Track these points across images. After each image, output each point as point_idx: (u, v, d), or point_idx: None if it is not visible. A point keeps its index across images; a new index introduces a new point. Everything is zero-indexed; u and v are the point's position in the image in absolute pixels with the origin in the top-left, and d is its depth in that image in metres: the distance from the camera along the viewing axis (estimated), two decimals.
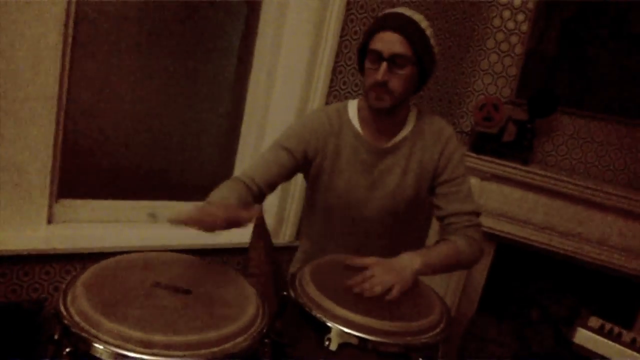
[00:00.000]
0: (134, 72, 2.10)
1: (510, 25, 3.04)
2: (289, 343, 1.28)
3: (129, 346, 0.92)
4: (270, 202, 2.35)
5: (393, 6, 1.55)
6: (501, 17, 3.05)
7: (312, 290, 1.25)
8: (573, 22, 2.86)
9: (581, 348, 2.07)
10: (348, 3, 2.32)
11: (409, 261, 1.42)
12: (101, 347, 0.91)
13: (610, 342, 2.04)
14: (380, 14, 1.55)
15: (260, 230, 2.17)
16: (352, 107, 1.67)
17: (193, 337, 0.96)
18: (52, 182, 1.88)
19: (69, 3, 1.75)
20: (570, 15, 2.86)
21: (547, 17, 2.92)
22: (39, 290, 1.87)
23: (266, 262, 2.11)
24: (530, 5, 2.97)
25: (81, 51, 1.91)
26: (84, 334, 0.93)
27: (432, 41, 1.52)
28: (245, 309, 1.11)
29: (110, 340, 0.92)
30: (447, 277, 2.92)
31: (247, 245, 2.16)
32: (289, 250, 1.98)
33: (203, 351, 0.95)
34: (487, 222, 1.74)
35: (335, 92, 2.44)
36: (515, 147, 2.85)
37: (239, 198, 1.43)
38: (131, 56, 2.07)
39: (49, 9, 1.67)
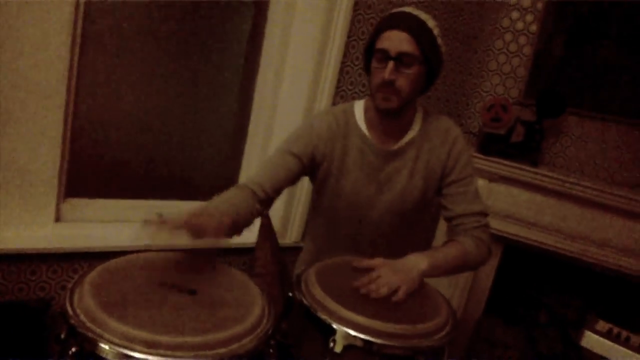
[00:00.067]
0: (141, 72, 2.10)
1: (519, 25, 3.03)
2: (294, 344, 1.28)
3: (135, 346, 0.92)
4: (277, 204, 2.33)
5: (400, 6, 1.55)
6: (510, 18, 3.04)
7: (317, 292, 1.25)
8: (582, 22, 2.84)
9: (589, 352, 2.06)
10: (355, 3, 2.31)
11: (416, 262, 1.42)
12: (107, 347, 0.91)
13: (618, 346, 2.03)
14: (386, 13, 1.54)
15: (267, 230, 2.17)
16: (359, 108, 1.66)
17: (198, 338, 0.96)
18: (59, 181, 1.89)
19: (77, 3, 1.75)
20: (579, 16, 2.84)
21: (556, 18, 2.90)
22: (45, 289, 1.88)
23: (272, 262, 2.11)
24: (539, 6, 2.96)
25: (88, 51, 1.91)
26: (89, 334, 0.93)
27: (439, 40, 1.51)
28: (251, 310, 1.11)
29: (116, 340, 0.93)
30: (454, 279, 2.91)
31: (253, 246, 2.17)
32: (294, 250, 1.98)
33: (208, 352, 0.95)
34: (494, 223, 1.73)
35: (342, 93, 2.44)
36: (524, 148, 2.84)
37: (241, 209, 1.42)
38: (138, 56, 2.07)
39: (57, 10, 1.68)
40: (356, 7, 2.33)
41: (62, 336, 0.98)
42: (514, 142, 2.85)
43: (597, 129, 2.89)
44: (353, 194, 1.63)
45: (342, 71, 2.40)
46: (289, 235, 2.48)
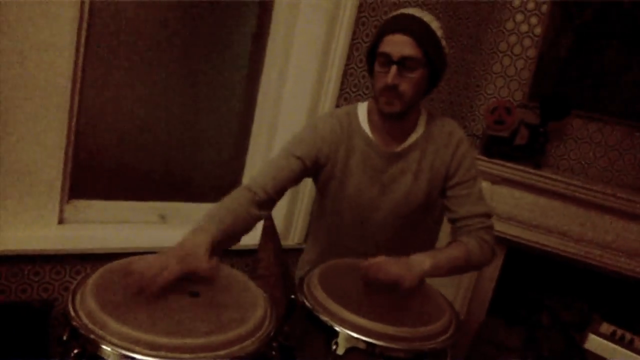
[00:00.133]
0: (146, 73, 2.11)
1: (524, 28, 3.02)
2: (296, 346, 1.28)
3: (137, 348, 0.92)
4: (279, 205, 2.33)
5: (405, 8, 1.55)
6: (514, 20, 3.04)
7: (319, 294, 1.25)
8: (587, 25, 2.83)
9: (592, 354, 2.06)
10: (360, 5, 2.31)
11: (418, 262, 1.42)
12: (109, 348, 0.91)
13: (622, 349, 2.02)
14: (389, 16, 1.52)
15: (270, 232, 2.17)
16: (362, 110, 1.65)
17: (201, 340, 0.96)
18: (63, 182, 1.89)
19: (82, 5, 1.75)
20: (584, 19, 2.84)
21: (561, 21, 2.89)
22: (49, 290, 1.88)
23: (275, 263, 2.11)
24: (544, 8, 2.95)
25: (92, 53, 1.91)
26: (91, 336, 0.93)
27: (443, 42, 1.50)
28: (253, 312, 1.10)
29: (118, 342, 0.92)
30: (457, 281, 2.91)
31: (255, 247, 2.17)
32: (297, 252, 1.98)
33: (210, 354, 0.95)
34: (498, 226, 1.73)
35: (346, 95, 2.44)
36: (527, 151, 2.83)
37: (236, 218, 1.41)
38: (142, 57, 2.08)
39: (61, 11, 1.68)
40: (360, 8, 2.33)
41: (64, 338, 0.98)
42: (518, 145, 2.84)
43: (601, 131, 2.89)
44: (356, 195, 1.62)
45: (346, 73, 2.40)
46: (292, 237, 2.48)
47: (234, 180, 2.44)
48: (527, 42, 3.02)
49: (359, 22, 2.34)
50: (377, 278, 1.32)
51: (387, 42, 1.45)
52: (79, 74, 1.84)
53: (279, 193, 1.55)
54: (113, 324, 0.94)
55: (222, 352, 0.97)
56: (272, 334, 1.09)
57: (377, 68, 1.50)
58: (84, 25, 1.80)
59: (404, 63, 1.44)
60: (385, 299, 1.32)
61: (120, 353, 0.91)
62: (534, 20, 2.99)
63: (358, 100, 2.00)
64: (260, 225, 2.13)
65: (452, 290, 2.89)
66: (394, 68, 1.43)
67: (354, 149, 1.61)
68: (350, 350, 1.14)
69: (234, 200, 1.46)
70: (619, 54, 2.77)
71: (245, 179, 2.45)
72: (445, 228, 2.77)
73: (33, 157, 1.77)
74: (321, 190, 1.70)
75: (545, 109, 2.79)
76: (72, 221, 2.00)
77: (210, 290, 1.16)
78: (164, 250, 1.19)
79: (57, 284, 1.89)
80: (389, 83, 1.44)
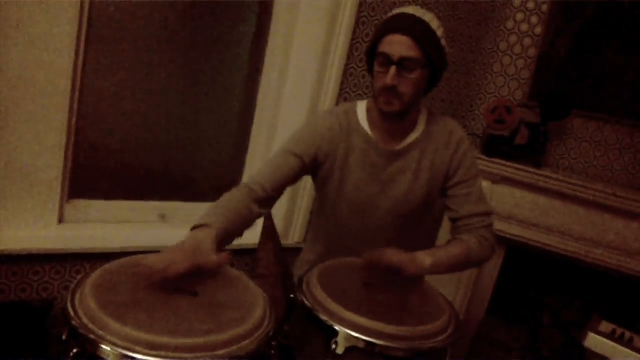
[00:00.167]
0: (146, 73, 2.10)
1: (524, 27, 3.02)
2: (296, 346, 1.28)
3: (136, 348, 0.92)
4: (279, 204, 2.34)
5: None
6: (515, 20, 3.03)
7: (319, 294, 1.25)
8: (587, 25, 2.83)
9: (592, 353, 2.06)
10: (360, 5, 2.31)
11: (420, 259, 1.44)
12: (108, 348, 0.91)
13: (621, 347, 2.02)
14: (389, 15, 1.51)
15: (270, 231, 2.17)
16: (362, 108, 1.65)
17: (200, 340, 0.96)
18: (63, 182, 1.89)
19: (82, 5, 1.75)
20: (584, 18, 2.83)
21: (561, 20, 2.89)
22: (48, 289, 1.88)
23: (275, 263, 2.11)
24: (544, 7, 2.95)
25: (92, 52, 1.91)
26: (91, 336, 0.93)
27: (443, 42, 1.50)
28: (252, 312, 1.10)
29: (117, 342, 0.92)
30: (457, 280, 2.91)
31: (255, 246, 2.17)
32: (297, 251, 1.98)
33: (209, 354, 0.95)
34: (498, 225, 1.74)
35: (346, 94, 2.44)
36: (528, 150, 2.83)
37: (234, 218, 1.41)
38: (142, 57, 2.07)
39: (61, 11, 1.68)
40: (361, 8, 2.32)
41: (64, 337, 0.97)
42: (518, 144, 2.84)
43: (602, 130, 2.88)
44: (355, 194, 1.62)
45: (346, 72, 2.39)
46: (292, 236, 2.48)
47: (234, 180, 2.44)
48: (527, 41, 3.02)
49: (359, 21, 2.34)
50: (379, 262, 1.33)
51: (386, 42, 1.45)
52: (79, 73, 1.84)
53: (278, 191, 1.56)
54: (112, 324, 0.94)
55: (221, 352, 0.97)
56: (271, 333, 1.08)
57: (376, 68, 1.49)
58: (84, 25, 1.80)
59: (403, 64, 1.43)
60: (385, 298, 1.33)
61: (120, 353, 0.91)
62: (534, 19, 2.99)
63: (358, 100, 2.00)
64: (260, 225, 2.13)
65: (452, 289, 2.89)
66: (393, 69, 1.43)
67: (353, 147, 1.61)
68: (349, 350, 1.14)
69: (234, 198, 1.47)
70: (619, 53, 2.77)
71: (245, 179, 2.45)
72: (445, 227, 2.78)
73: (33, 156, 1.77)
74: (320, 189, 1.70)
75: (546, 108, 2.79)
76: (72, 221, 2.00)
77: (209, 290, 1.16)
78: (170, 247, 1.20)
79: (57, 283, 1.90)
80: (388, 84, 1.44)
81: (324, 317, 1.18)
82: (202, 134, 2.34)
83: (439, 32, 1.48)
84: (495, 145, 2.83)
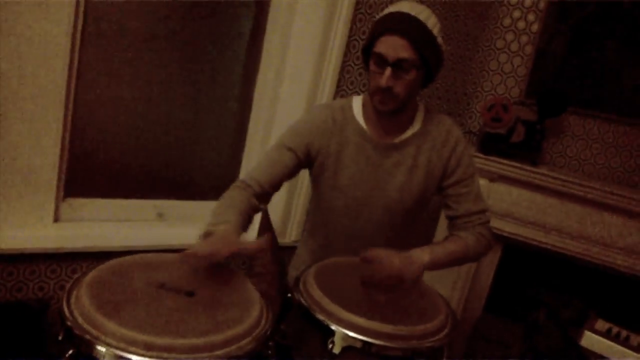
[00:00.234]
0: (142, 71, 2.10)
1: (521, 25, 3.02)
2: (293, 345, 1.28)
3: (132, 349, 0.91)
4: (276, 202, 2.34)
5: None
6: (511, 17, 3.03)
7: (316, 293, 1.25)
8: (584, 22, 2.83)
9: (588, 351, 2.06)
10: (357, 2, 2.30)
11: (418, 256, 1.44)
12: (104, 349, 0.91)
13: (617, 346, 2.03)
14: (384, 13, 1.48)
15: (266, 229, 2.16)
16: (357, 103, 1.65)
17: (196, 340, 0.96)
18: (59, 180, 1.89)
19: (77, 3, 1.75)
20: (581, 16, 2.83)
21: (558, 17, 2.89)
22: (44, 289, 1.88)
23: (272, 261, 2.11)
24: (541, 5, 2.95)
25: (88, 51, 1.90)
26: (86, 336, 0.93)
27: (439, 40, 1.48)
28: (249, 312, 1.10)
29: (113, 342, 0.92)
30: (454, 278, 2.91)
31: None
32: (295, 249, 1.98)
33: (206, 354, 0.95)
34: (494, 223, 1.74)
35: (343, 92, 2.43)
36: (524, 148, 2.83)
37: (241, 213, 1.43)
38: (139, 55, 2.07)
39: (57, 10, 1.68)
40: (357, 6, 2.32)
41: (60, 338, 0.97)
42: (515, 142, 2.84)
43: (598, 128, 2.89)
44: (350, 189, 1.62)
45: (343, 70, 2.39)
46: (289, 234, 2.48)
47: (231, 179, 2.41)
48: (524, 39, 3.02)
49: (355, 19, 2.34)
50: (379, 279, 1.33)
51: (382, 43, 1.43)
52: (75, 72, 1.83)
53: (273, 186, 1.57)
54: (108, 324, 0.94)
55: (218, 352, 0.96)
56: (268, 333, 1.08)
57: (372, 67, 1.49)
58: (79, 23, 1.80)
59: (399, 65, 1.43)
60: (381, 297, 1.32)
61: (115, 353, 0.91)
62: (531, 17, 2.99)
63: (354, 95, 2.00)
64: (256, 223, 2.13)
65: (449, 288, 2.89)
66: (388, 70, 1.42)
67: (348, 141, 1.61)
68: (346, 349, 1.13)
69: (236, 196, 1.49)
70: (616, 51, 2.77)
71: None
72: (442, 225, 2.78)
73: (29, 155, 1.76)
74: (315, 184, 1.70)
75: (542, 105, 2.79)
76: (68, 219, 2.00)
77: (206, 290, 1.15)
78: (200, 241, 1.25)
79: (53, 282, 1.89)
80: (383, 86, 1.44)
81: (320, 317, 1.18)
82: (199, 133, 2.33)
83: (435, 30, 1.46)
84: (491, 143, 2.83)
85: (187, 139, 2.30)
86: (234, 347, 0.99)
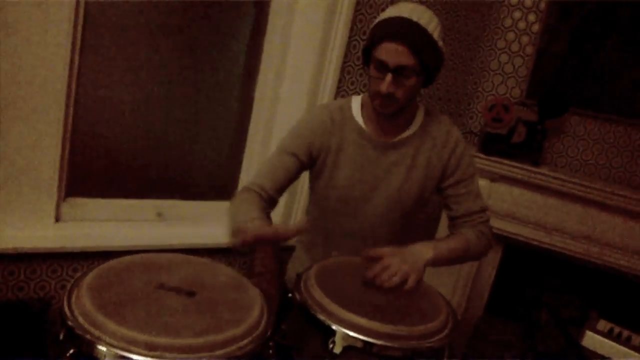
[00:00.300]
0: (142, 72, 2.10)
1: (521, 25, 3.02)
2: (293, 345, 1.28)
3: (133, 348, 0.91)
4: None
5: None
6: (512, 18, 3.03)
7: (317, 293, 1.24)
8: (585, 22, 2.83)
9: (590, 351, 2.06)
10: (357, 2, 2.30)
11: (421, 252, 1.45)
12: (104, 349, 0.91)
13: (619, 346, 2.03)
14: (385, 16, 1.46)
15: None
16: (356, 103, 1.65)
17: (197, 340, 0.95)
18: (60, 180, 1.89)
19: (77, 4, 1.75)
20: (582, 16, 2.83)
21: (559, 18, 2.89)
22: (45, 288, 1.88)
23: (273, 260, 2.11)
24: (542, 5, 2.95)
25: (88, 50, 1.90)
26: (87, 336, 0.93)
27: (440, 44, 1.47)
28: (249, 312, 1.10)
29: (114, 342, 0.92)
30: (455, 278, 2.91)
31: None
32: (294, 249, 1.98)
33: (207, 354, 0.95)
34: (495, 223, 1.74)
35: (344, 92, 2.43)
36: (525, 148, 2.83)
37: (262, 210, 1.44)
38: (139, 56, 2.07)
39: (57, 10, 1.68)
40: (357, 6, 2.32)
41: (60, 337, 0.97)
42: (516, 142, 2.84)
43: (599, 128, 2.89)
44: (348, 188, 1.62)
45: (344, 71, 2.39)
46: None
47: (231, 179, 2.44)
48: (525, 39, 3.02)
49: (356, 19, 2.34)
50: (392, 284, 1.33)
51: (383, 49, 1.42)
52: (75, 72, 1.84)
53: (277, 191, 1.57)
54: (109, 324, 0.94)
55: (219, 352, 0.96)
56: (268, 333, 1.08)
57: (372, 71, 1.48)
58: (79, 23, 1.80)
59: (399, 71, 1.42)
60: (382, 297, 1.32)
61: (116, 353, 0.90)
62: (532, 17, 2.99)
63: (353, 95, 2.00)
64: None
65: (450, 288, 2.89)
66: (389, 76, 1.42)
67: (347, 141, 1.61)
68: (347, 349, 1.13)
69: (249, 197, 1.51)
70: (617, 51, 2.77)
71: (242, 178, 2.45)
72: (443, 225, 2.77)
73: (29, 155, 1.76)
74: (314, 183, 1.70)
75: (543, 106, 2.79)
76: (68, 219, 2.00)
77: (206, 290, 1.15)
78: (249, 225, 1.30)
79: (54, 282, 1.89)
80: (384, 92, 1.44)
81: (321, 317, 1.17)
82: (199, 133, 2.33)
83: (436, 35, 1.44)
84: (492, 144, 2.83)
85: (187, 139, 2.30)
86: (234, 347, 0.99)
